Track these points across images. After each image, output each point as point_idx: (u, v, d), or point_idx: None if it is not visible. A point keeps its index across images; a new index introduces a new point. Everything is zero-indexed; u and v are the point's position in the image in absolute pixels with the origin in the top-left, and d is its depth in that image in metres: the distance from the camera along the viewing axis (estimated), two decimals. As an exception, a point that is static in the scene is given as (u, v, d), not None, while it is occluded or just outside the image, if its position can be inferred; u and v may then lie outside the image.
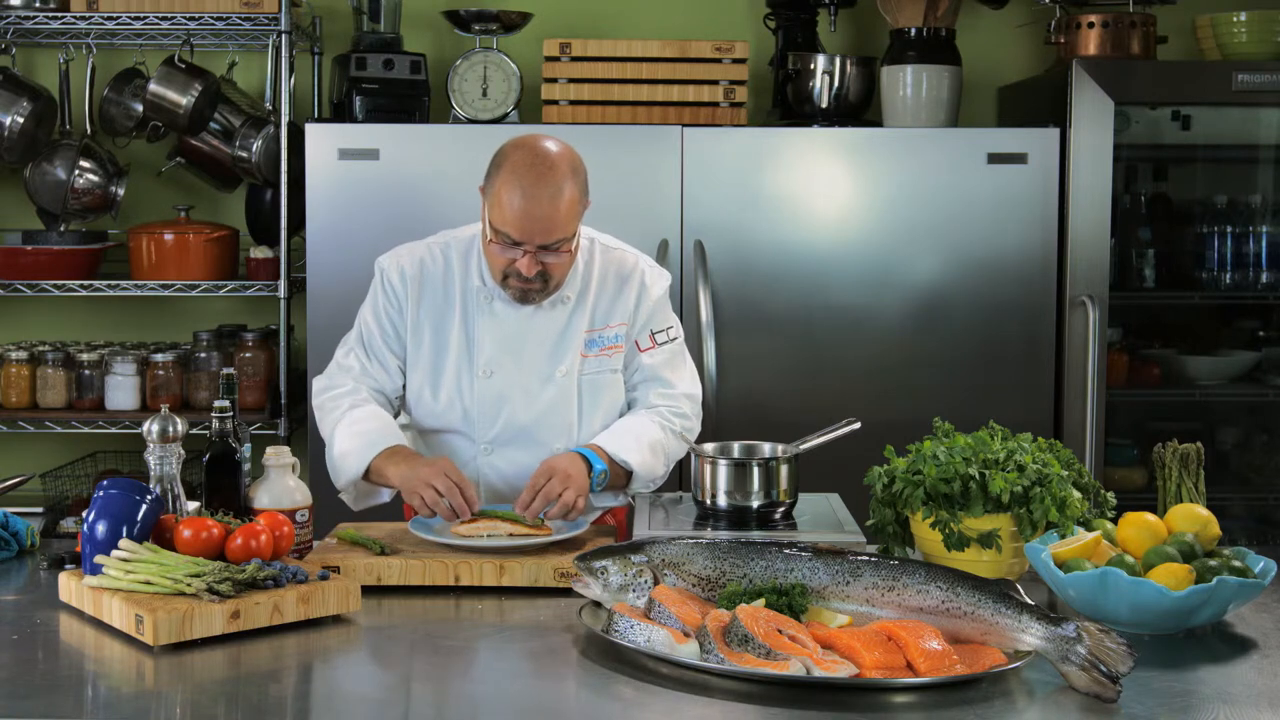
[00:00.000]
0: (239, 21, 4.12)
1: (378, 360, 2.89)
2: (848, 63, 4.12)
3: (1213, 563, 2.20)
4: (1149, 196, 4.41)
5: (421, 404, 2.89)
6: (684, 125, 3.94)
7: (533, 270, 2.72)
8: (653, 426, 2.87)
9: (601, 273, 2.91)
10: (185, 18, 4.12)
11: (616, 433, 2.84)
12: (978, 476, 2.36)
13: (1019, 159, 3.93)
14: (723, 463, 2.64)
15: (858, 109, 4.17)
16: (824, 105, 4.12)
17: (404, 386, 2.92)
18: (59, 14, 4.13)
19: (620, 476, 2.82)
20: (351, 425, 2.80)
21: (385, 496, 2.88)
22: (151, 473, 2.47)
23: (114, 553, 2.28)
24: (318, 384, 2.94)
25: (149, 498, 2.36)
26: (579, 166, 2.76)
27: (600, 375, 2.89)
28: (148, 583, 2.20)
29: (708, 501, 2.65)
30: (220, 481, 2.54)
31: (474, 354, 2.85)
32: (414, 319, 2.88)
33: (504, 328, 2.85)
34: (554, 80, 4.04)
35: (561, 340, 2.86)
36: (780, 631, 2.01)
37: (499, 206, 2.70)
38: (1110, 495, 2.54)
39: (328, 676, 2.09)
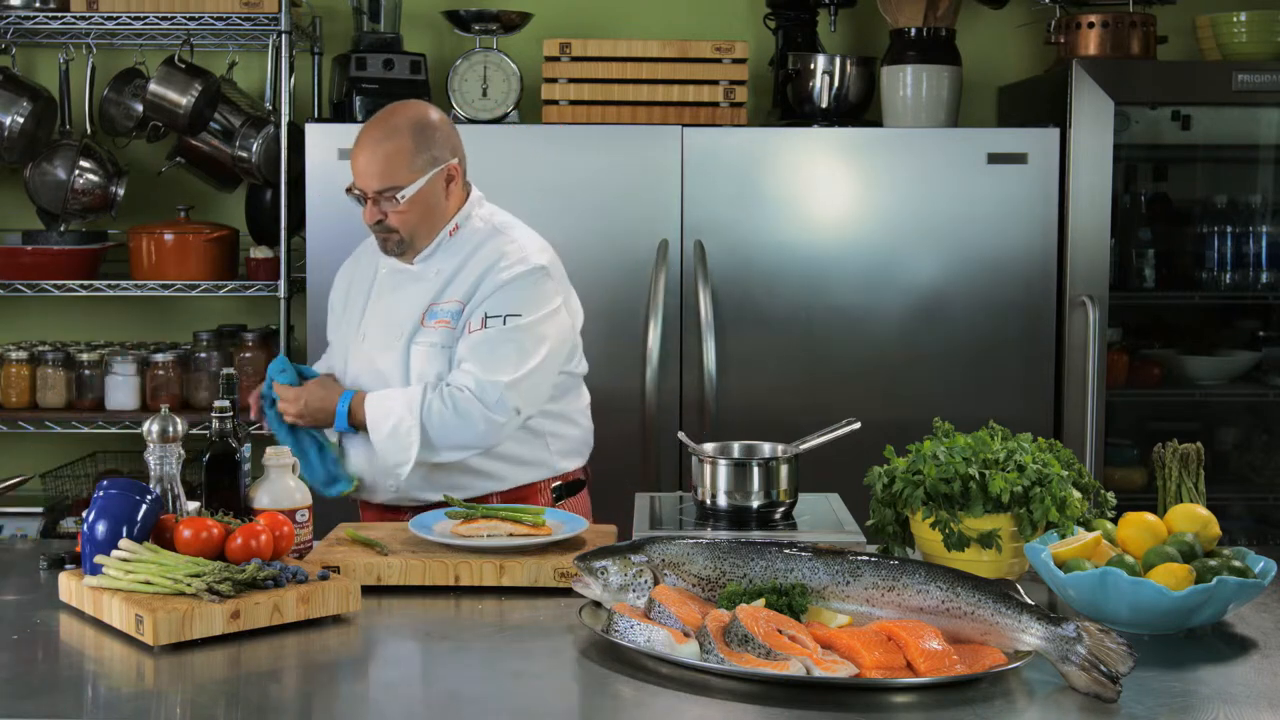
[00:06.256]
0: (239, 21, 4.12)
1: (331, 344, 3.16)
2: (848, 63, 4.12)
3: (1213, 563, 2.20)
4: (1149, 196, 4.41)
5: (339, 376, 3.05)
6: (684, 125, 3.94)
7: (371, 218, 2.89)
8: (412, 411, 2.81)
9: (473, 251, 2.94)
10: (185, 18, 4.12)
11: (382, 396, 2.87)
12: (978, 476, 2.36)
13: (1019, 159, 3.93)
14: (723, 463, 2.64)
15: (858, 109, 4.17)
16: (824, 105, 4.12)
17: None
18: (59, 14, 4.13)
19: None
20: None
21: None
22: (151, 473, 2.47)
23: (114, 553, 2.28)
24: None
25: (149, 498, 2.36)
26: (427, 125, 2.89)
27: (424, 348, 2.89)
28: (148, 583, 2.20)
29: (708, 501, 2.65)
30: (220, 481, 2.54)
31: (358, 323, 3.01)
32: (341, 303, 3.09)
33: (380, 294, 3.00)
34: (554, 80, 4.04)
35: (412, 306, 2.93)
36: (780, 631, 2.01)
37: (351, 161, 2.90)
38: (1110, 495, 2.54)
39: (328, 676, 2.09)
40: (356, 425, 2.87)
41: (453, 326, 2.88)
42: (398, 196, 2.84)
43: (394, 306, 2.95)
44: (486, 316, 2.85)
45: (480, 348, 2.83)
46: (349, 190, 2.90)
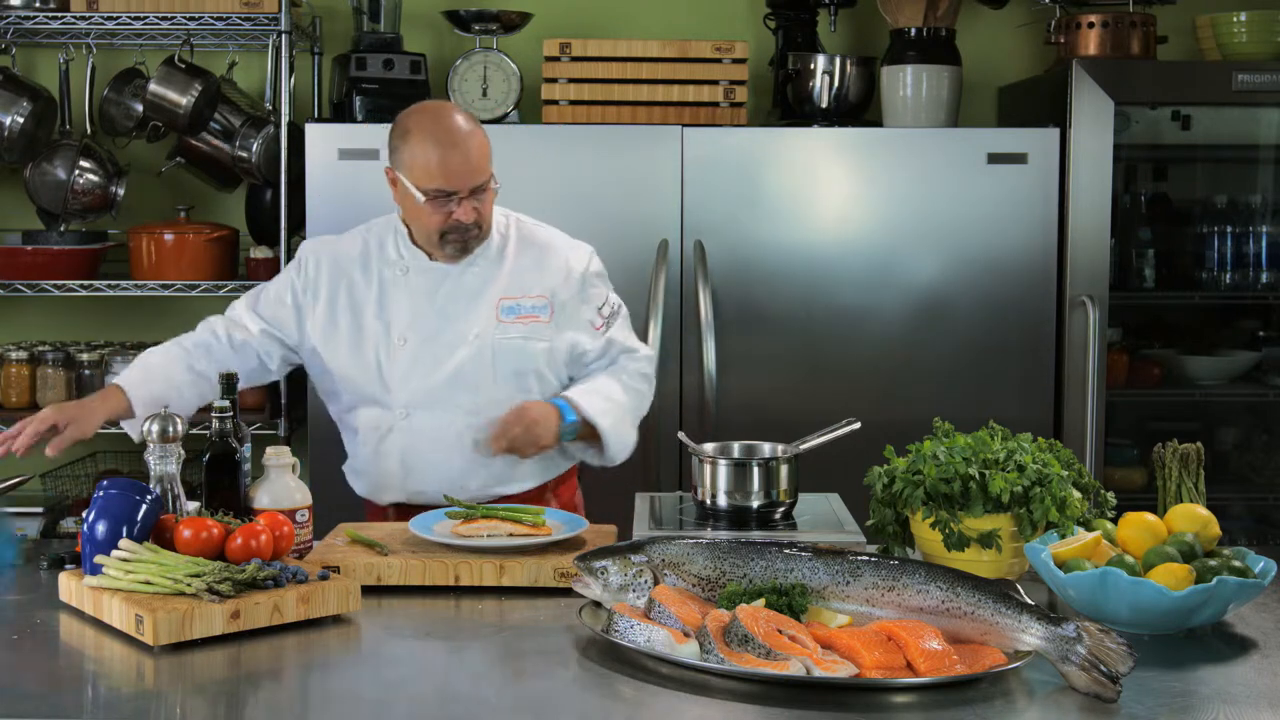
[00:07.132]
0: (239, 21, 4.12)
1: (251, 313, 3.00)
2: (848, 63, 4.12)
3: (1213, 563, 2.20)
4: (1149, 196, 4.41)
5: (348, 381, 2.96)
6: (684, 125, 3.94)
7: (472, 215, 2.84)
8: (619, 390, 2.93)
9: (518, 243, 2.98)
10: (185, 18, 4.12)
11: (589, 391, 2.89)
12: (978, 476, 2.36)
13: (1019, 159, 3.93)
14: (723, 463, 2.64)
15: (858, 109, 4.17)
16: (824, 105, 4.12)
17: (268, 355, 3.00)
18: (59, 14, 4.13)
19: (590, 432, 2.88)
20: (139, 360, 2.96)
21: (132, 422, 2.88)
22: (151, 473, 2.47)
23: (114, 553, 2.28)
24: None
25: (149, 498, 2.36)
26: (474, 117, 2.92)
27: (515, 341, 2.91)
28: (148, 583, 2.21)
29: (708, 501, 2.65)
30: (220, 481, 2.54)
31: (390, 325, 2.93)
32: (327, 306, 2.96)
33: (418, 296, 2.93)
34: (554, 80, 4.04)
35: (475, 304, 2.92)
36: (780, 631, 2.01)
37: (424, 168, 2.81)
38: (1110, 495, 2.54)
39: (328, 676, 2.09)
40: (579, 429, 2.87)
41: (543, 320, 2.92)
42: (494, 185, 2.87)
43: (449, 305, 2.92)
44: (599, 309, 2.98)
45: (620, 336, 2.99)
46: (432, 199, 2.81)
